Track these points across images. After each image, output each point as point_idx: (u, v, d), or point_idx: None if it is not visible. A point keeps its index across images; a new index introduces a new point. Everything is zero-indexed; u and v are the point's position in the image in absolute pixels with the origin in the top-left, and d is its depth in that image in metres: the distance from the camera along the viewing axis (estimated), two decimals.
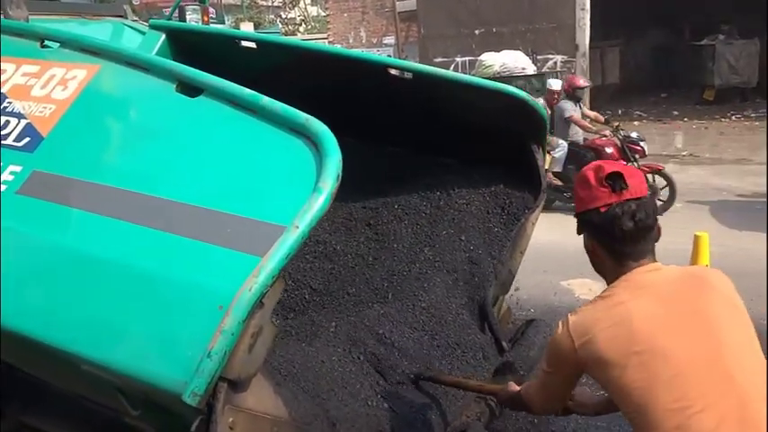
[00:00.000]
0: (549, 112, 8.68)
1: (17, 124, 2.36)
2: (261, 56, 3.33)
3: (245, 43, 3.37)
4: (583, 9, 13.89)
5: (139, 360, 1.70)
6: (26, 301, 1.90)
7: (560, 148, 8.41)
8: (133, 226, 1.86)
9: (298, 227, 1.69)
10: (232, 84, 2.12)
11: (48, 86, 2.44)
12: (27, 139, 2.29)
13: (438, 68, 3.26)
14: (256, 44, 3.35)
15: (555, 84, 9.19)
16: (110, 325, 1.78)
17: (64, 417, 2.73)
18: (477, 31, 14.86)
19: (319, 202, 1.72)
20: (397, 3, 16.28)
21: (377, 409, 2.43)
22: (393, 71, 3.14)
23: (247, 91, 2.07)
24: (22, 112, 2.39)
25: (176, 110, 2.19)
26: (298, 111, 1.95)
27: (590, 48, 14.19)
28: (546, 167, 8.01)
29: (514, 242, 3.22)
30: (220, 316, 1.62)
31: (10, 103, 2.45)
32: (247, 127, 2.02)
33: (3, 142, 2.32)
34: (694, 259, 4.79)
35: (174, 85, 2.23)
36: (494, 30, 14.64)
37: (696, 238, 4.81)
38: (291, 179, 1.86)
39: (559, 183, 8.42)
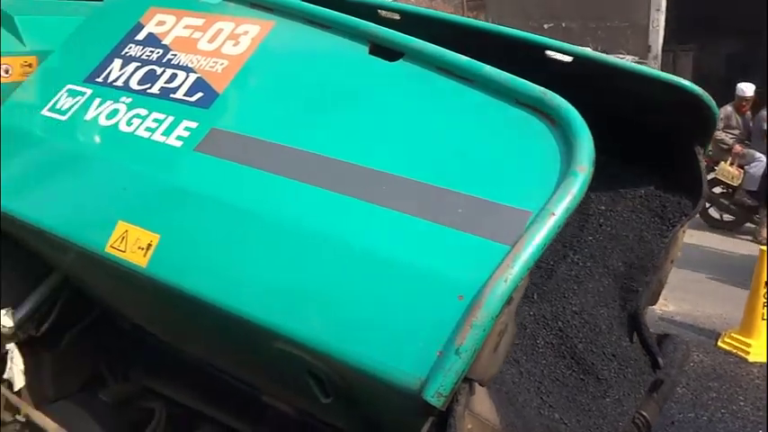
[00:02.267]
0: (740, 120, 7.93)
1: (186, 78, 2.18)
2: (403, 30, 3.11)
3: (385, 14, 3.14)
4: (658, 10, 13.54)
5: (364, 348, 1.48)
6: (223, 271, 1.73)
7: (757, 162, 7.31)
8: (346, 198, 1.65)
9: (554, 214, 1.47)
10: (440, 48, 1.90)
11: (216, 41, 2.25)
12: (200, 95, 2.10)
13: (600, 54, 3.00)
14: (400, 15, 3.12)
15: (747, 89, 7.92)
16: (325, 304, 1.57)
17: (193, 387, 2.60)
18: (545, 25, 14.57)
19: (576, 187, 1.49)
20: None
21: (549, 419, 2.22)
22: (551, 54, 2.89)
23: (462, 57, 1.84)
24: (190, 65, 2.21)
25: (374, 74, 1.95)
26: (530, 83, 1.74)
27: (662, 50, 13.82)
28: (737, 183, 7.46)
29: (667, 250, 2.98)
30: (464, 307, 1.41)
31: (175, 55, 2.27)
32: (466, 98, 1.78)
33: (172, 96, 2.14)
34: None
35: (367, 47, 2.03)
36: (563, 24, 14.35)
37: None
38: (529, 160, 1.63)
39: (750, 202, 7.34)
